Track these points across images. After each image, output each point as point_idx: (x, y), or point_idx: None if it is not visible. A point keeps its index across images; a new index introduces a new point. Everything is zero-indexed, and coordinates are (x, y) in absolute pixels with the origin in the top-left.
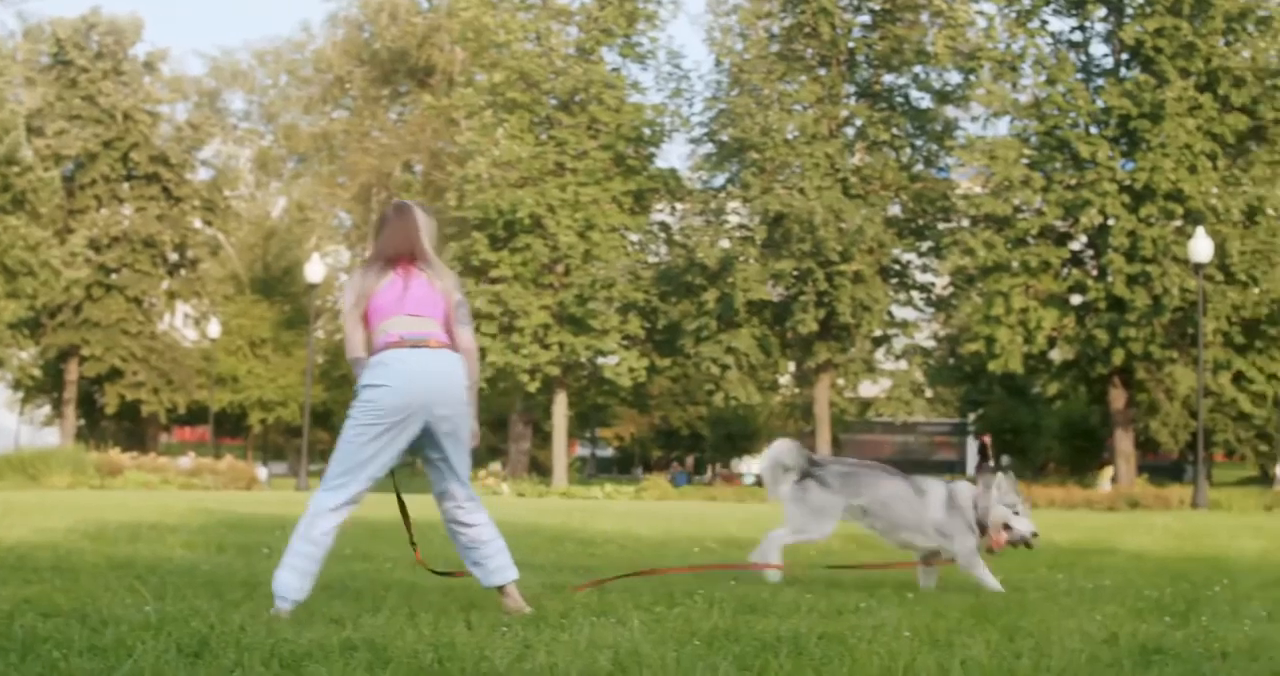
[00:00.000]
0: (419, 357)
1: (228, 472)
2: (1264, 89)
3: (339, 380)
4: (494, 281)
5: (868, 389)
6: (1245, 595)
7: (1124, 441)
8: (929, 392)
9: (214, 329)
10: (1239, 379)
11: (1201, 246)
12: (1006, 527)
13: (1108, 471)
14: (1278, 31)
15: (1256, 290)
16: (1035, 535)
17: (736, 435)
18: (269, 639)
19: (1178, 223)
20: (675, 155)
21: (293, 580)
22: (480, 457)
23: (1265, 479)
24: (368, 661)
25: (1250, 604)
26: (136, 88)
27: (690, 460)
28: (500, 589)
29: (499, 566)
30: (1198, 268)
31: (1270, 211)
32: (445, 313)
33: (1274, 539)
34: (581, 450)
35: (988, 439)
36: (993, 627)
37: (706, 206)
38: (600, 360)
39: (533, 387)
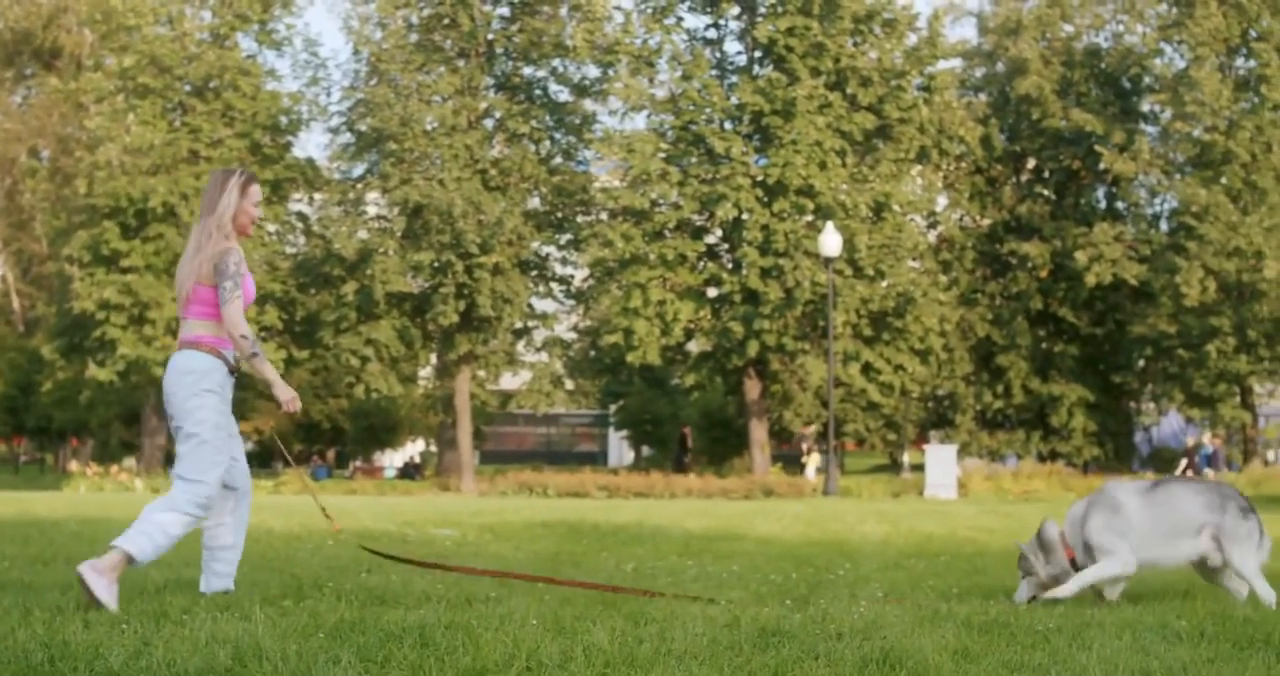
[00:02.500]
0: None
1: None
2: (889, 89)
3: None
4: (125, 271)
5: (509, 381)
6: (865, 577)
7: (759, 431)
8: (569, 384)
9: None
10: (868, 370)
11: (831, 241)
12: None
13: (814, 458)
14: (903, 34)
15: (883, 284)
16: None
17: (378, 427)
18: None
19: (809, 217)
20: (313, 145)
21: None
22: (114, 453)
23: (894, 466)
24: None
25: (869, 585)
26: None
27: (331, 453)
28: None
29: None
30: (828, 262)
31: (896, 207)
32: (205, 299)
33: (897, 524)
34: None
35: (687, 430)
36: (619, 614)
37: (345, 197)
38: None
39: None
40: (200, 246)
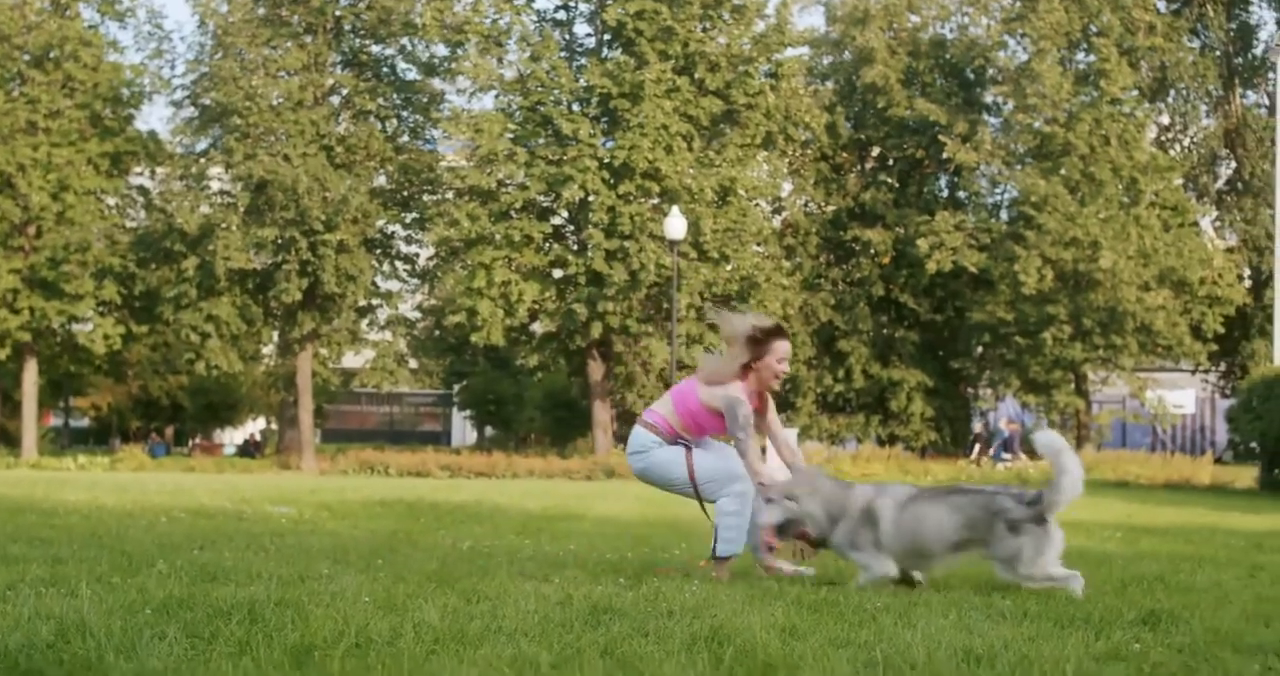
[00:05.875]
0: None
1: None
2: (737, 74)
3: None
4: None
5: (352, 359)
6: (700, 557)
7: (601, 412)
8: (413, 363)
9: None
10: (711, 352)
11: (676, 224)
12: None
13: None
14: (751, 20)
15: (727, 267)
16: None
17: (218, 405)
18: None
19: (655, 200)
20: (156, 118)
21: None
22: None
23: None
24: None
25: (705, 565)
26: None
27: (170, 431)
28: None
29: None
30: (673, 244)
31: (741, 192)
32: (691, 407)
33: None
34: (55, 420)
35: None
36: (453, 592)
37: (187, 171)
38: (74, 326)
39: (3, 355)
40: (720, 370)
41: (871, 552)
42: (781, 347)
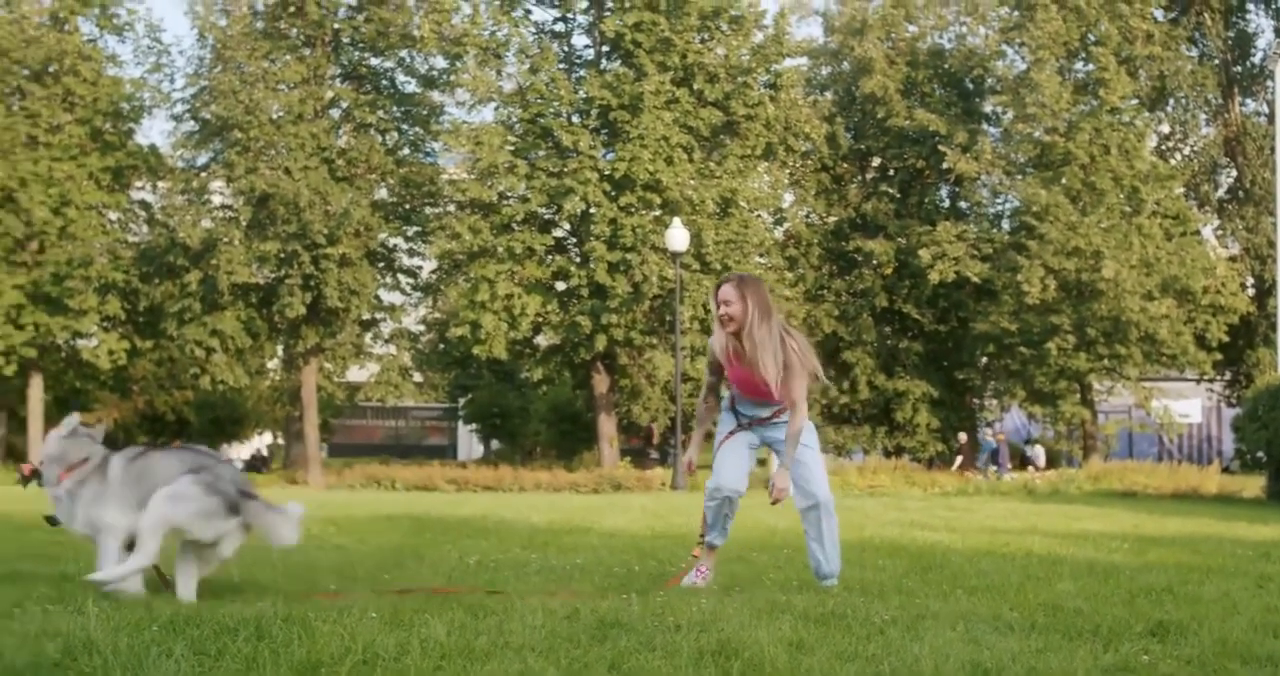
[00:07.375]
0: None
1: None
2: (736, 85)
3: None
4: None
5: (357, 373)
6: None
7: (607, 425)
8: (418, 377)
9: None
10: None
11: (678, 236)
12: None
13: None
14: (749, 31)
15: None
16: None
17: (224, 420)
18: None
19: (656, 212)
20: (156, 132)
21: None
22: None
23: None
24: None
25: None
26: None
27: (176, 446)
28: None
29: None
30: (675, 256)
31: (743, 203)
32: None
33: (741, 517)
34: None
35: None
36: (459, 607)
37: (189, 185)
38: (78, 342)
39: (9, 371)
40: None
41: (103, 505)
42: (719, 293)
